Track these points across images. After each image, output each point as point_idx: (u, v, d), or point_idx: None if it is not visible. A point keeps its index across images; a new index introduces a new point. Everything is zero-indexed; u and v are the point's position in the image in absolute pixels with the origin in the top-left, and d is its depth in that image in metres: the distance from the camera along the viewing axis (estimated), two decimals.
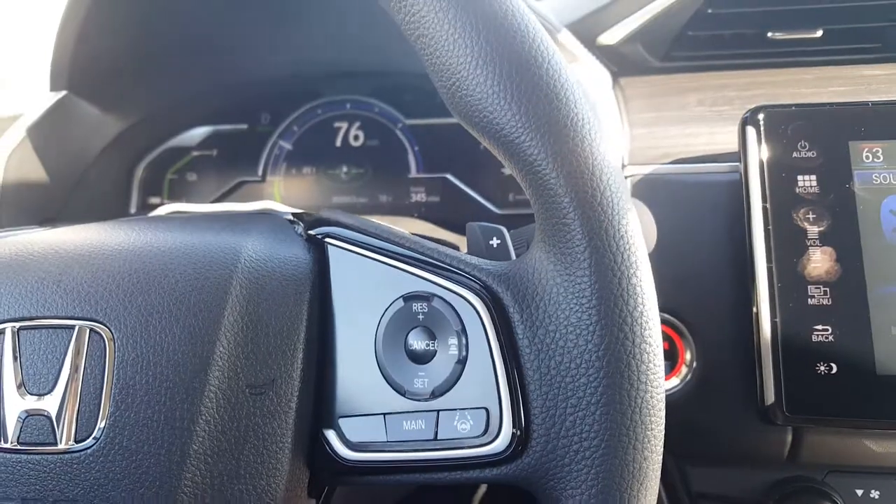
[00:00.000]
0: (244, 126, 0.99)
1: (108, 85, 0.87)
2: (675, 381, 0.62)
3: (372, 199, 0.94)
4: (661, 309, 0.62)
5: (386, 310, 0.44)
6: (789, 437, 0.60)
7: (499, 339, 0.41)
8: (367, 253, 0.45)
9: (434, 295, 0.43)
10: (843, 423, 0.55)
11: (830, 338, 0.55)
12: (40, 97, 0.84)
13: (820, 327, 0.55)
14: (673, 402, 0.61)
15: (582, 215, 0.38)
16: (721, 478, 0.64)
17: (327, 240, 0.47)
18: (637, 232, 0.39)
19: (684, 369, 0.62)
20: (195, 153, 1.00)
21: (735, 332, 0.60)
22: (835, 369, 0.54)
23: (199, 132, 1.00)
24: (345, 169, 0.95)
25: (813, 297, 0.55)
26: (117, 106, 0.91)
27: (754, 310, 0.57)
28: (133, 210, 0.99)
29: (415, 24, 0.41)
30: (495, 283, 0.42)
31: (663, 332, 0.62)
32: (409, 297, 0.44)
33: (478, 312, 0.42)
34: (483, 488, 0.91)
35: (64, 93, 0.84)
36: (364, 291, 0.45)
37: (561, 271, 0.39)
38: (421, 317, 0.43)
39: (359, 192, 0.95)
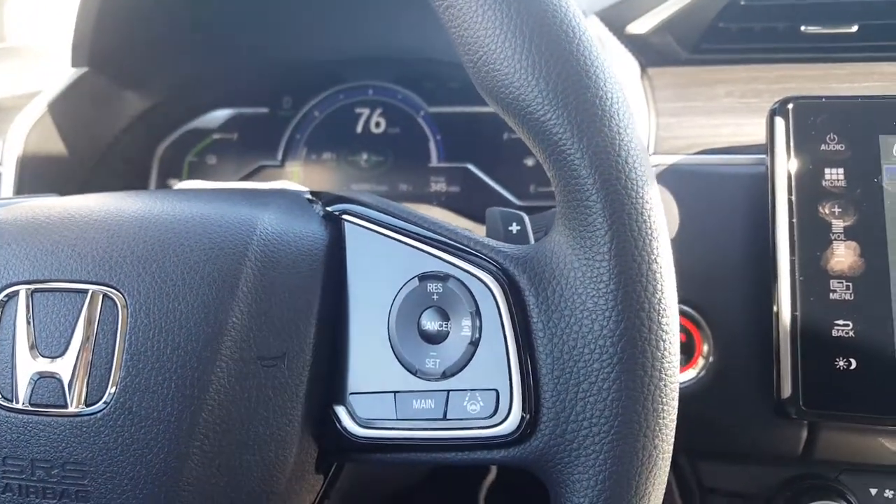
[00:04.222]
0: (265, 110, 0.99)
1: (130, 62, 0.87)
2: (690, 374, 0.61)
3: (392, 188, 0.94)
4: (680, 301, 0.61)
5: (401, 289, 0.44)
6: (804, 434, 0.59)
7: (513, 322, 0.41)
8: (385, 231, 0.45)
9: (450, 275, 0.43)
10: (860, 419, 0.54)
11: (851, 333, 0.54)
12: (60, 73, 0.85)
13: (841, 322, 0.54)
14: (688, 395, 0.60)
15: (605, 197, 0.37)
16: (733, 473, 0.64)
17: (344, 216, 0.46)
18: (660, 217, 0.38)
19: (700, 362, 0.61)
20: (216, 136, 1.00)
21: (753, 325, 0.59)
22: (854, 364, 0.53)
23: (220, 115, 1.00)
24: (365, 156, 0.95)
25: (835, 291, 0.55)
26: (138, 84, 0.91)
27: (774, 302, 0.56)
28: None
29: None
30: (512, 266, 0.42)
31: (681, 325, 0.61)
32: (424, 277, 0.43)
33: (493, 294, 0.41)
34: (491, 479, 0.91)
35: (85, 69, 0.84)
36: (379, 269, 0.44)
37: (580, 254, 0.39)
38: (435, 297, 0.43)
39: (378, 180, 0.94)
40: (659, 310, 0.37)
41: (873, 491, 0.60)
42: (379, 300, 0.44)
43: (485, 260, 0.42)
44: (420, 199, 0.92)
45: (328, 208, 0.47)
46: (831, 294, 0.55)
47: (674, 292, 0.38)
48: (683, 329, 0.62)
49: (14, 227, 0.45)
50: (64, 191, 0.85)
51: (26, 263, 0.42)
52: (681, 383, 0.61)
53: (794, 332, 0.55)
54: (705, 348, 0.61)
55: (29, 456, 0.40)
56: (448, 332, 0.42)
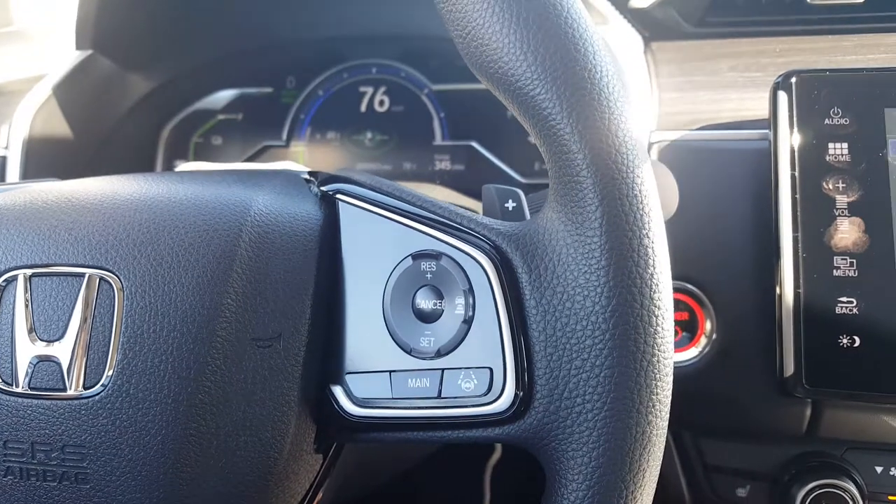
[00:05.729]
0: (269, 89, 0.98)
1: (134, 45, 0.87)
2: (693, 352, 0.61)
3: (396, 167, 0.93)
4: (683, 278, 0.61)
5: (395, 268, 0.43)
6: (808, 412, 0.59)
7: (505, 300, 0.40)
8: (378, 210, 0.44)
9: (442, 254, 0.42)
10: (863, 396, 0.54)
11: (855, 310, 0.53)
12: (65, 56, 0.85)
13: (844, 299, 0.53)
14: (691, 373, 0.60)
15: (595, 172, 0.37)
16: (737, 451, 0.63)
17: (339, 196, 0.46)
18: (652, 191, 0.38)
19: (703, 340, 0.61)
20: (221, 117, 0.99)
21: (757, 303, 0.59)
22: (858, 342, 0.53)
23: (224, 95, 0.99)
24: (369, 135, 0.94)
25: (839, 268, 0.54)
26: (143, 66, 0.91)
27: (777, 280, 0.55)
28: None
29: None
30: (504, 243, 0.41)
31: (684, 303, 0.61)
32: (417, 256, 0.43)
33: (486, 272, 0.41)
34: (496, 459, 0.91)
35: (89, 52, 0.84)
36: (374, 249, 0.44)
37: (571, 231, 0.38)
38: (429, 275, 0.43)
39: (383, 159, 0.94)
40: (651, 285, 0.37)
41: (878, 469, 0.60)
42: (374, 280, 0.44)
43: (477, 237, 0.42)
44: (424, 177, 0.91)
45: (323, 188, 0.47)
46: (835, 271, 0.54)
47: (667, 267, 0.38)
48: (686, 307, 0.61)
49: (12, 213, 0.45)
50: (70, 174, 0.85)
51: (25, 248, 0.42)
52: (684, 361, 0.61)
53: (797, 309, 0.54)
54: (708, 326, 0.61)
55: (29, 439, 0.40)
56: (442, 311, 0.42)
